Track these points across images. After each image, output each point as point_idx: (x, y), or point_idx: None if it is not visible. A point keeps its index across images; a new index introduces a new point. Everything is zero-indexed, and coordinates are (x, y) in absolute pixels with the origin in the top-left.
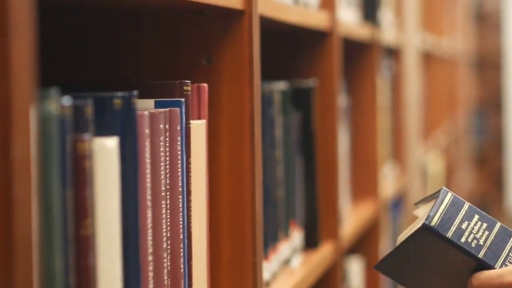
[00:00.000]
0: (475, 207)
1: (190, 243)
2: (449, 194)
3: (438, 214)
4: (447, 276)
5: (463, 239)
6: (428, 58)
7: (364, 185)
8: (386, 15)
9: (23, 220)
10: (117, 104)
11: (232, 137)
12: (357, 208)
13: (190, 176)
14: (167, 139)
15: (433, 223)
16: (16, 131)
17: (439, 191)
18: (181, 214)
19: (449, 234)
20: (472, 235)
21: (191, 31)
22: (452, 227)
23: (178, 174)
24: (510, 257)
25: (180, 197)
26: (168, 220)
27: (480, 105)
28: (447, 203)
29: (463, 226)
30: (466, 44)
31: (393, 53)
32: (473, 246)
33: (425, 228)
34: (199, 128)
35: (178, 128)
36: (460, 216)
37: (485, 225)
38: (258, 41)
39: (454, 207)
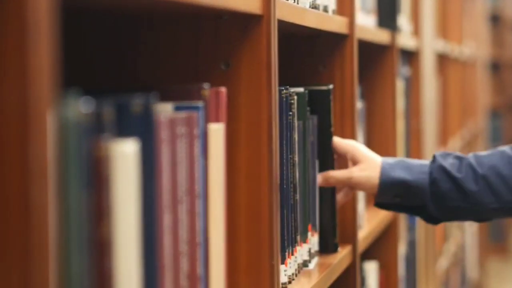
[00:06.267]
0: None
1: (207, 246)
2: None
3: None
4: None
5: None
6: (444, 62)
7: None
8: (403, 20)
9: (40, 224)
10: (136, 109)
11: (250, 141)
12: (374, 212)
13: (208, 180)
14: (185, 143)
15: None
16: (33, 135)
17: None
18: (198, 217)
19: None
20: None
21: (210, 35)
22: None
23: (196, 178)
24: None
25: (198, 200)
26: (186, 223)
27: (496, 110)
28: None
29: None
30: (482, 48)
31: (409, 58)
32: None
33: None
34: (217, 132)
35: (196, 132)
36: None
37: None
38: (276, 46)
39: None
